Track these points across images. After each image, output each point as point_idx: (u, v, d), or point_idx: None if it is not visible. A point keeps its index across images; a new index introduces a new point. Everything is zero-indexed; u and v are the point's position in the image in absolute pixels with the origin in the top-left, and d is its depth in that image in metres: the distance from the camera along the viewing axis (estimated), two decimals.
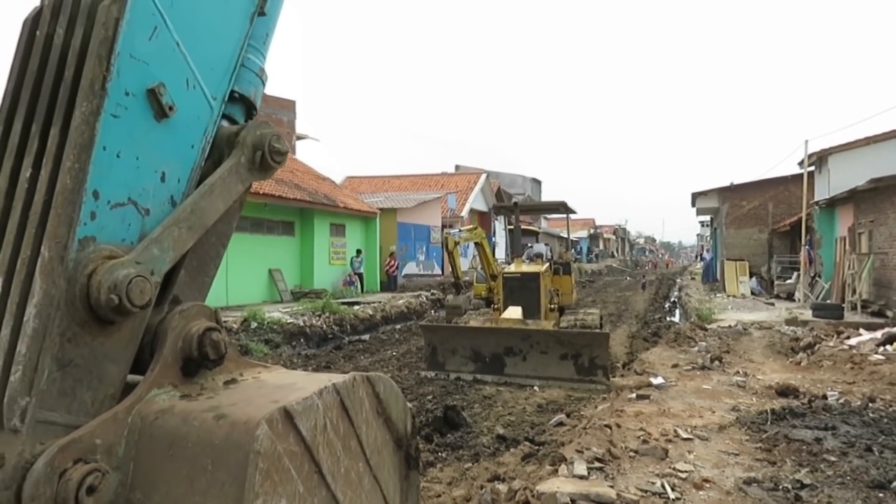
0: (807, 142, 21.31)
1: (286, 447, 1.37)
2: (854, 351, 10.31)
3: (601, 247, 79.10)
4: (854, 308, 16.95)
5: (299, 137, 29.53)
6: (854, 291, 17.44)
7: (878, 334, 11.40)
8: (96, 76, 1.39)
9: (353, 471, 1.62)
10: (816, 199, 22.58)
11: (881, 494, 4.40)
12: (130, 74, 1.45)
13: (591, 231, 74.96)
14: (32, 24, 1.56)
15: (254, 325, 13.51)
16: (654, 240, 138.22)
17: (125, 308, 1.37)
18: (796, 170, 24.78)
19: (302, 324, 14.66)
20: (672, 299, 29.78)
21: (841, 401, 7.34)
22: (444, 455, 6.07)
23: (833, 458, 5.12)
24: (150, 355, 1.53)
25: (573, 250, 53.95)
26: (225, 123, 1.80)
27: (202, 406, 1.44)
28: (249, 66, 1.85)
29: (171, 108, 1.54)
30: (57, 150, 1.40)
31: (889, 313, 15.48)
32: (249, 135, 1.73)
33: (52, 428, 1.32)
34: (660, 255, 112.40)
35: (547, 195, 60.63)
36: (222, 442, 1.32)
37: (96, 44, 1.40)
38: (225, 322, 12.90)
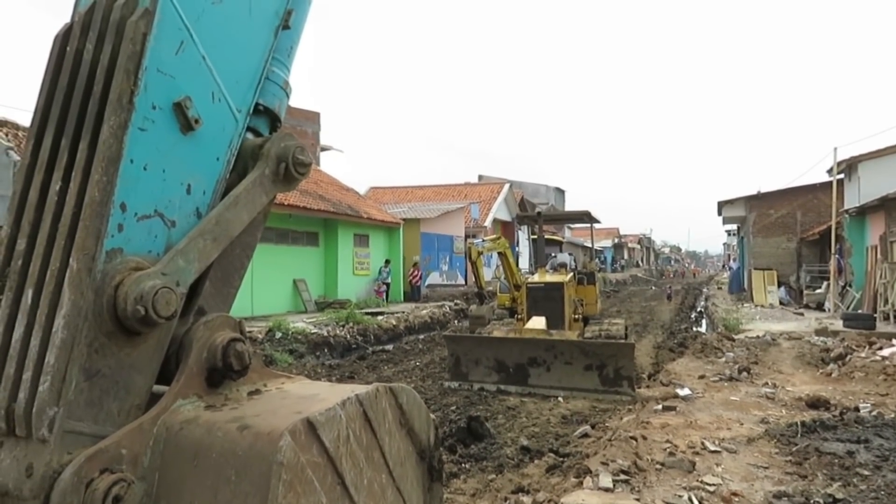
0: (836, 149, 21.02)
1: (309, 458, 1.37)
2: (887, 362, 10.10)
3: (626, 256, 78.45)
4: (886, 318, 16.60)
5: (323, 148, 29.81)
6: (886, 301, 17.07)
7: None
8: (124, 90, 1.41)
9: (376, 482, 1.62)
10: (846, 207, 22.21)
11: None
12: (157, 88, 1.47)
13: (616, 240, 74.41)
14: (63, 40, 1.59)
15: (278, 335, 13.60)
16: (679, 249, 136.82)
17: (151, 319, 1.39)
18: (825, 177, 24.43)
19: (326, 334, 14.73)
20: (699, 309, 29.42)
21: (874, 413, 7.18)
22: (467, 466, 6.04)
23: (866, 472, 5.00)
24: (176, 366, 1.54)
25: (597, 260, 53.63)
26: (250, 136, 1.81)
27: (226, 417, 1.45)
28: (274, 79, 1.87)
29: (196, 122, 1.55)
30: (86, 163, 1.42)
31: None
32: (274, 147, 1.74)
33: (79, 438, 1.34)
34: (686, 265, 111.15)
35: (571, 205, 60.41)
36: (246, 452, 1.33)
37: (124, 59, 1.42)
38: (250, 332, 12.97)
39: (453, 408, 8.40)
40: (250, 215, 1.70)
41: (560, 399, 8.86)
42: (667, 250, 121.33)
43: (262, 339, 13.15)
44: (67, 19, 1.64)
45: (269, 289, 18.28)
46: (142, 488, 1.37)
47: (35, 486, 1.26)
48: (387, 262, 23.85)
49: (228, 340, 1.56)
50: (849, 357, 10.83)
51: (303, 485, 1.34)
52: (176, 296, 1.45)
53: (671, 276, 79.79)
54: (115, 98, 1.41)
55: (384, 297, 23.01)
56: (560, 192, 59.26)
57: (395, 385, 1.76)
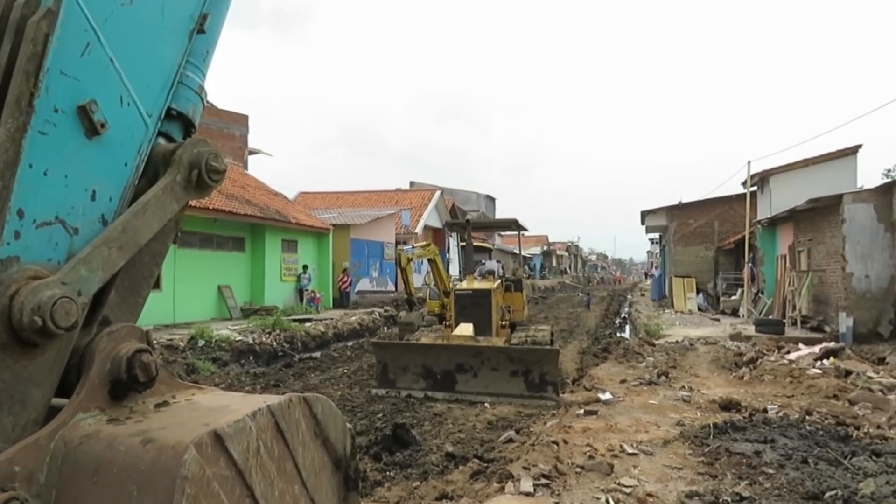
0: (749, 162, 22.10)
1: (216, 471, 1.34)
2: (794, 365, 10.66)
3: (554, 263, 79.99)
4: (794, 323, 17.52)
5: (252, 152, 29.18)
6: (794, 307, 18.04)
7: (817, 349, 11.82)
8: (23, 92, 1.36)
9: (289, 494, 1.60)
10: (759, 217, 23.35)
11: None
12: (60, 91, 1.42)
13: (545, 248, 75.82)
14: None
15: (201, 342, 13.22)
16: (606, 256, 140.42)
17: (49, 330, 1.34)
18: (740, 189, 25.60)
19: (251, 341, 14.42)
20: (622, 315, 30.29)
21: (780, 414, 7.57)
22: (392, 474, 6.03)
23: (771, 471, 5.27)
24: (77, 378, 1.49)
25: (527, 267, 54.38)
26: (162, 141, 1.77)
27: (130, 430, 1.41)
28: (188, 84, 1.83)
29: (102, 126, 1.51)
30: None
31: (827, 328, 16.06)
32: (186, 153, 1.71)
33: None
34: (611, 272, 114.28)
35: (502, 212, 61.19)
36: (149, 467, 1.29)
37: (24, 60, 1.37)
38: (171, 340, 12.41)
39: (380, 415, 8.37)
40: (160, 223, 1.66)
41: (486, 405, 8.95)
42: (594, 258, 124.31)
43: (184, 347, 12.75)
44: None
45: (192, 295, 17.76)
46: None
47: None
48: (304, 267, 23.37)
49: (134, 351, 1.52)
50: (759, 361, 11.38)
51: (209, 499, 1.31)
52: (77, 306, 1.40)
53: (597, 282, 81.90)
54: (13, 100, 1.35)
55: (320, 303, 22.62)
56: (491, 199, 59.96)
57: (309, 395, 1.75)
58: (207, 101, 2.14)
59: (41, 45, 1.38)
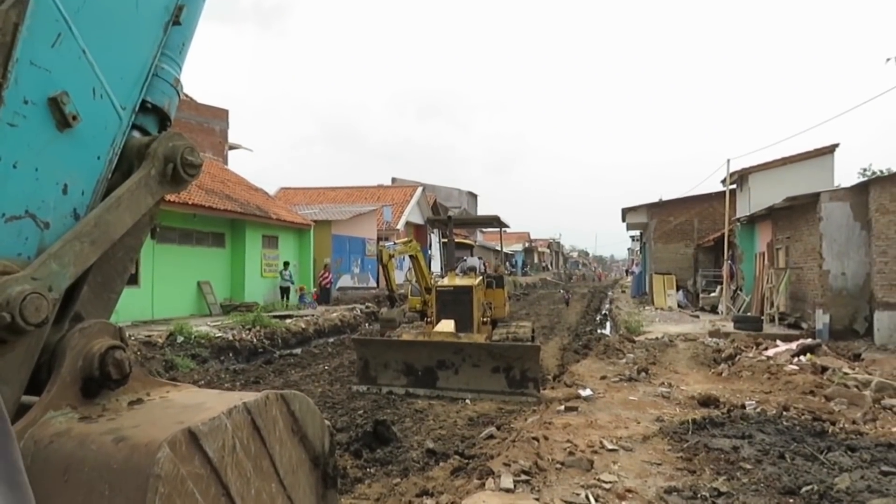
0: (729, 161, 22.32)
1: (190, 470, 1.32)
2: (771, 362, 10.78)
3: (536, 260, 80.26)
4: (772, 320, 17.72)
5: (232, 147, 28.91)
6: (772, 304, 18.24)
7: (794, 345, 11.97)
8: None
9: (265, 492, 1.58)
10: (738, 215, 23.58)
11: (791, 500, 4.60)
12: (30, 82, 1.39)
13: (526, 244, 76.00)
14: None
15: (180, 339, 13.10)
16: (587, 253, 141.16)
17: (18, 326, 1.31)
18: (720, 187, 25.84)
19: (231, 338, 14.32)
20: (603, 312, 30.47)
21: (758, 410, 7.65)
22: (372, 471, 6.01)
23: (748, 466, 5.32)
24: (48, 375, 1.46)
25: (508, 264, 54.48)
26: (136, 134, 1.74)
27: (102, 428, 1.38)
28: (163, 76, 1.80)
29: (74, 118, 1.48)
30: None
31: (804, 325, 16.27)
32: (161, 146, 1.68)
33: None
34: (592, 268, 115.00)
35: (483, 209, 61.21)
36: (121, 466, 1.27)
37: None
38: (149, 336, 12.23)
39: (360, 412, 8.35)
40: (134, 217, 1.63)
41: (468, 401, 8.96)
42: (575, 254, 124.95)
43: (163, 344, 12.61)
44: None
45: (171, 291, 17.60)
46: None
47: None
48: (286, 264, 23.20)
49: (106, 348, 1.49)
50: (738, 357, 11.51)
51: (183, 497, 1.29)
52: (47, 302, 1.37)
53: (577, 279, 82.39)
54: None
55: (304, 301, 22.44)
56: (473, 196, 59.96)
57: (286, 392, 1.74)
58: (187, 96, 2.11)
59: (10, 34, 1.34)
